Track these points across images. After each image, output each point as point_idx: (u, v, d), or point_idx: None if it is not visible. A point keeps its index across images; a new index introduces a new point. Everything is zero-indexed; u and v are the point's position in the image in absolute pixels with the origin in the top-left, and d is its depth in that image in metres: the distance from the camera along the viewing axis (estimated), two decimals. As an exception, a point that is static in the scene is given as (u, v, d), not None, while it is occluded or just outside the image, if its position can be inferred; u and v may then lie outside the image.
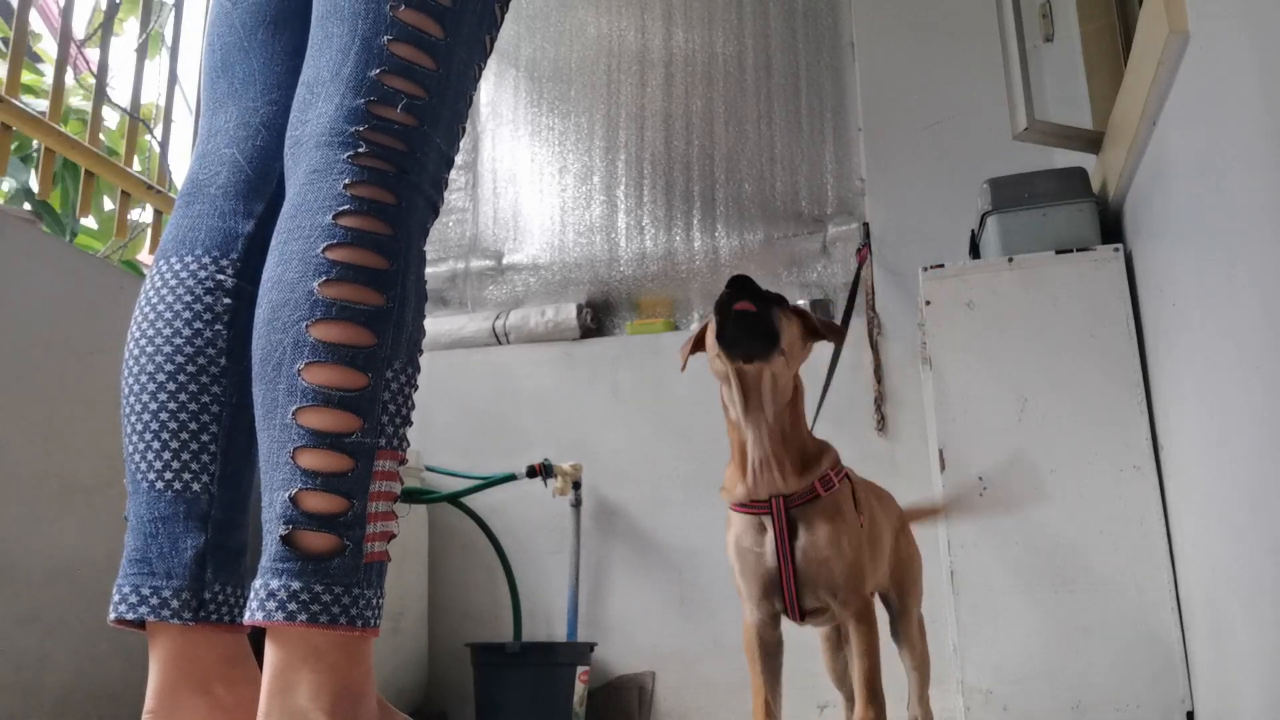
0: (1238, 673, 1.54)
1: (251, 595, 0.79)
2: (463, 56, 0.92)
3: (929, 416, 2.26)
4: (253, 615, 0.78)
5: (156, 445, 0.94)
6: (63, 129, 2.16)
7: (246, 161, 1.02)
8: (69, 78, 2.69)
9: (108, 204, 3.70)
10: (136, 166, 2.45)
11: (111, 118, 3.57)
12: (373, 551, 0.81)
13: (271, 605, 0.77)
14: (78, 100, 3.61)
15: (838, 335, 1.38)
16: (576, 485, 2.78)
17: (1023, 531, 1.99)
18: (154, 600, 0.90)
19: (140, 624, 0.93)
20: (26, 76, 3.53)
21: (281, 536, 0.78)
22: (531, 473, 2.69)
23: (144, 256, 3.81)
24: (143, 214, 2.82)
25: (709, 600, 2.74)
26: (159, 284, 0.99)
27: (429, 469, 2.83)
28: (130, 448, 0.95)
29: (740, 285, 1.22)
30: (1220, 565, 1.60)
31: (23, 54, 2.16)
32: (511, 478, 2.68)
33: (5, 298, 1.73)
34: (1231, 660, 1.57)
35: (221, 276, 0.98)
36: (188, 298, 0.97)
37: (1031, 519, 1.99)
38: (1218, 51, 1.39)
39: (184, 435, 0.94)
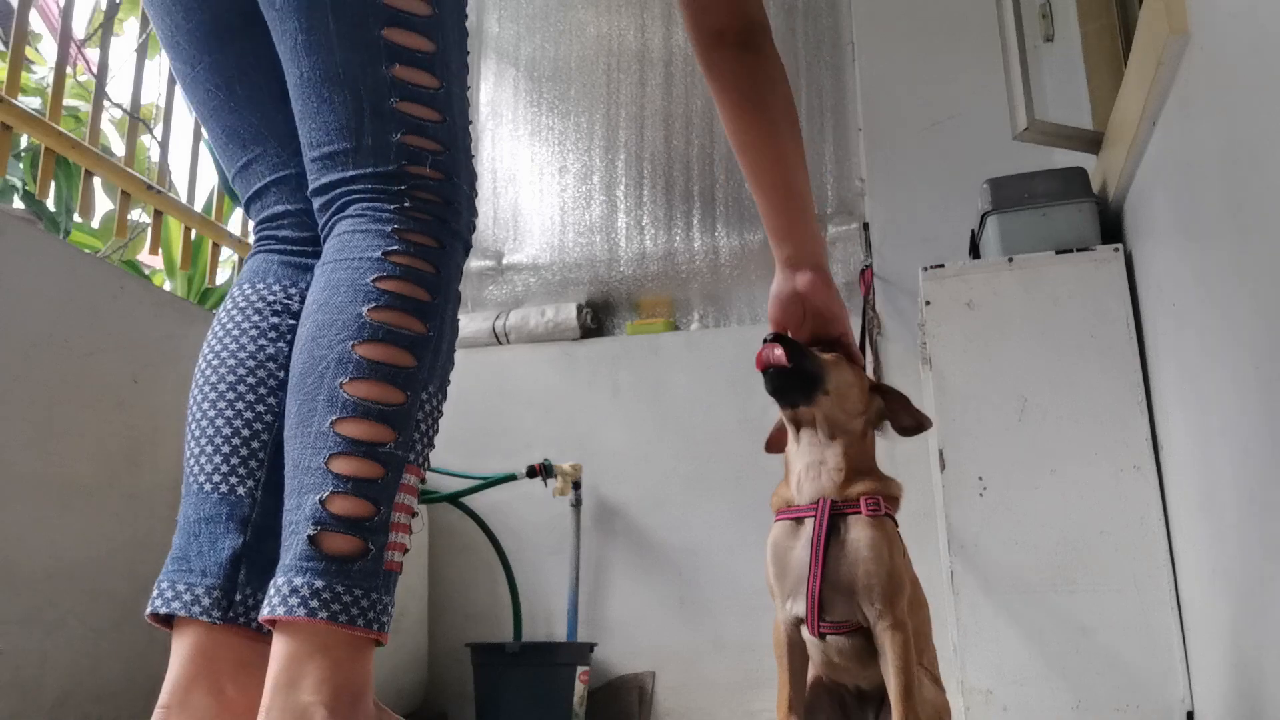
0: (1238, 673, 1.54)
1: (271, 591, 0.81)
2: (458, 94, 0.97)
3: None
4: (273, 610, 0.80)
5: (209, 450, 0.97)
6: (62, 129, 2.16)
7: (303, 213, 1.07)
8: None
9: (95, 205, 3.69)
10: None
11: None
12: (391, 560, 0.85)
13: (294, 601, 0.79)
14: (72, 100, 3.61)
15: (901, 415, 1.37)
16: (576, 485, 2.78)
17: (1023, 531, 1.99)
18: (187, 596, 0.93)
19: (169, 621, 0.94)
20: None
21: (309, 537, 0.81)
22: (531, 473, 2.69)
23: (144, 256, 3.81)
24: (143, 214, 2.82)
25: (709, 600, 2.74)
26: (230, 307, 1.04)
27: (429, 469, 2.83)
28: (187, 453, 0.99)
29: (770, 341, 1.26)
30: (1220, 565, 1.60)
31: (23, 54, 2.16)
32: (511, 478, 2.68)
33: (5, 298, 1.73)
34: (1231, 660, 1.57)
35: (288, 301, 1.04)
36: (255, 317, 1.02)
37: (1031, 519, 1.99)
38: (1218, 51, 1.39)
39: (235, 441, 0.97)
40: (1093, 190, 2.21)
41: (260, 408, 0.98)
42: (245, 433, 0.97)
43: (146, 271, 3.79)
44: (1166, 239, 1.79)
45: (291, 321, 1.02)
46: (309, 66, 0.92)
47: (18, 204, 3.46)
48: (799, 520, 1.26)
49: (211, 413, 0.98)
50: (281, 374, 0.99)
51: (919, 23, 2.98)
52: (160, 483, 2.01)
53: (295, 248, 1.07)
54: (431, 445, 0.92)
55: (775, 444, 1.40)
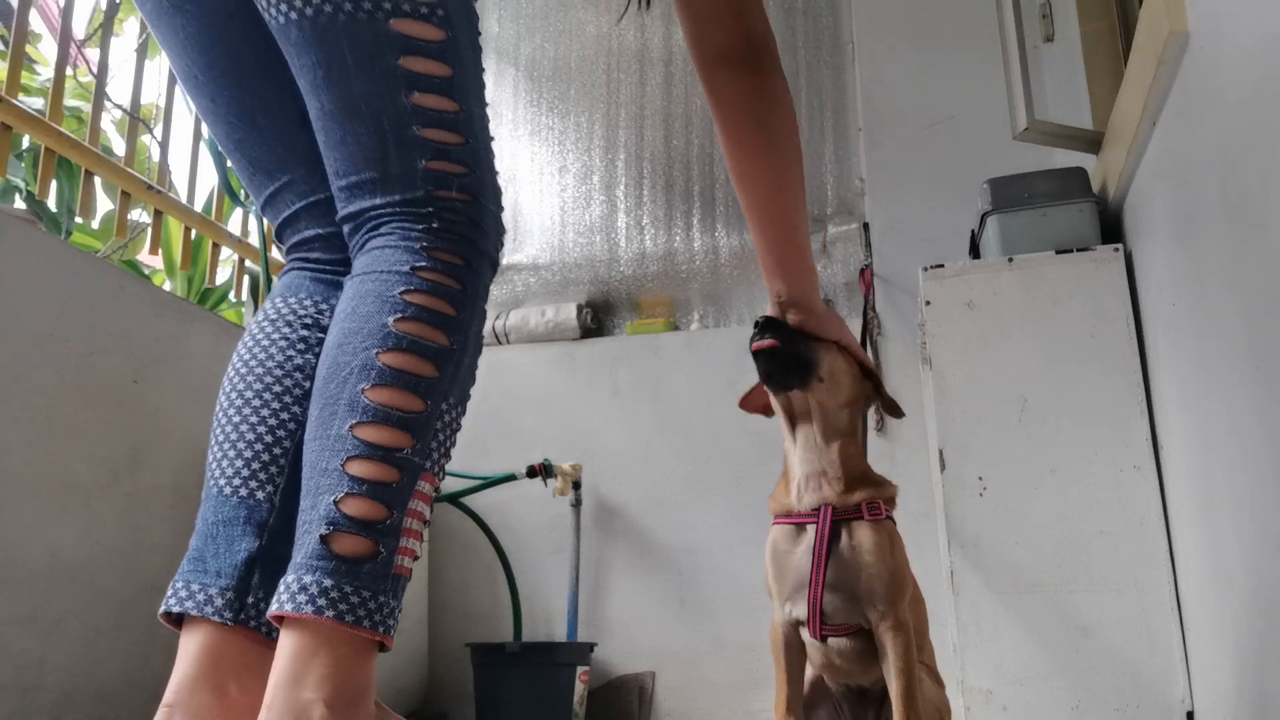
0: (1238, 673, 1.54)
1: (281, 588, 0.82)
2: (478, 114, 0.97)
3: (929, 416, 2.26)
4: (281, 607, 0.81)
5: (232, 454, 0.98)
6: (62, 129, 2.16)
7: (334, 235, 1.08)
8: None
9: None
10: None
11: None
12: (400, 565, 0.86)
13: (302, 599, 0.80)
14: (73, 100, 3.61)
15: (878, 386, 1.36)
16: (576, 485, 2.78)
17: (1023, 531, 1.99)
18: (200, 596, 0.93)
19: (179, 621, 0.95)
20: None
21: (321, 536, 0.82)
22: (531, 473, 2.69)
23: (144, 256, 3.81)
24: (143, 214, 2.82)
25: (709, 600, 2.74)
26: (262, 319, 1.06)
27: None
28: (210, 458, 1.01)
29: (763, 325, 1.24)
30: (1220, 565, 1.60)
31: (23, 54, 2.16)
32: (511, 478, 2.69)
33: (5, 298, 1.73)
34: (1231, 660, 1.57)
35: (319, 315, 1.06)
36: (285, 329, 1.04)
37: (1031, 519, 1.99)
38: (1218, 51, 1.39)
39: (258, 446, 0.98)
40: (1093, 190, 2.21)
41: (284, 415, 0.99)
42: (268, 439, 0.98)
43: (146, 271, 3.79)
44: (1166, 239, 1.79)
45: (320, 335, 1.03)
46: (329, 99, 0.93)
47: (19, 204, 3.46)
48: (799, 526, 1.26)
49: (236, 419, 0.99)
50: (308, 384, 1.00)
51: (919, 23, 2.98)
52: (160, 483, 2.01)
53: (327, 266, 1.09)
54: (448, 456, 0.93)
55: (752, 402, 1.38)
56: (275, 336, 1.04)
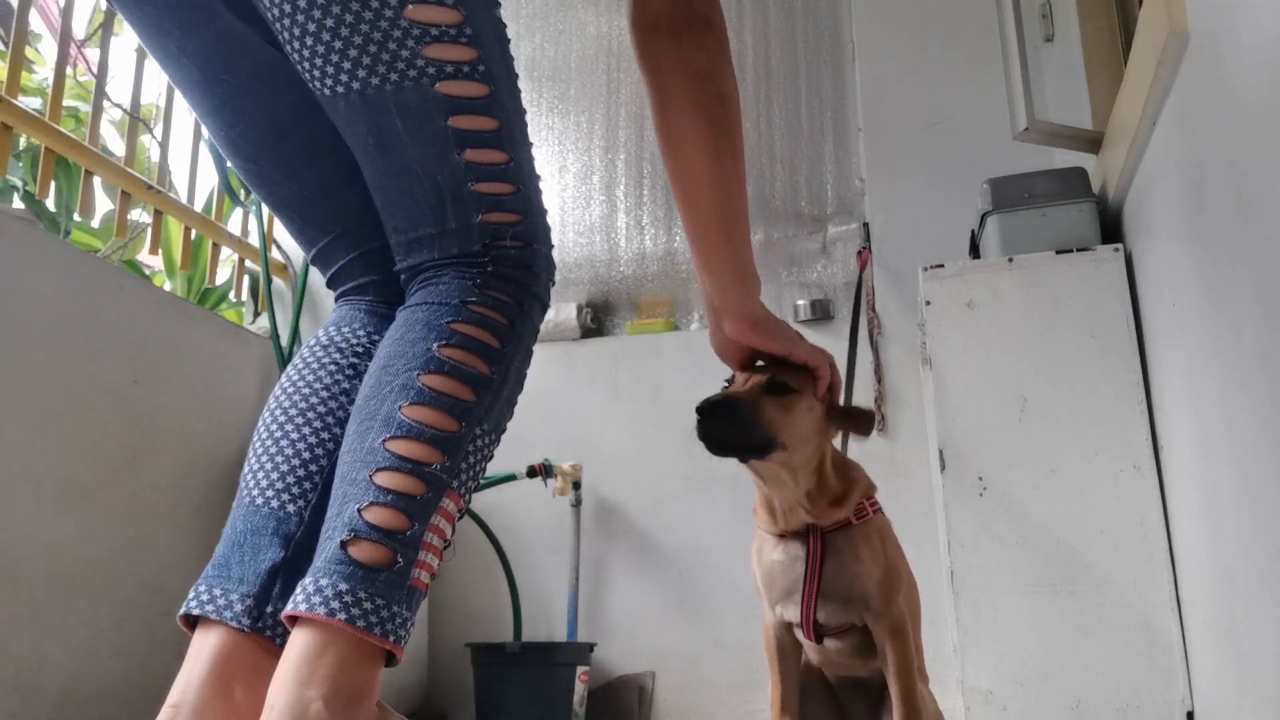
0: (1238, 673, 1.54)
1: (297, 590, 0.83)
2: (526, 159, 0.99)
3: (929, 416, 2.26)
4: (295, 607, 0.82)
5: (269, 467, 1.00)
6: (61, 128, 2.16)
7: (387, 281, 1.10)
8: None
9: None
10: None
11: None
12: (416, 578, 0.87)
13: (316, 600, 0.81)
14: (72, 100, 3.61)
15: (862, 427, 1.25)
16: (576, 485, 2.78)
17: (1023, 531, 1.99)
18: (221, 601, 0.94)
19: (195, 624, 0.95)
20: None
21: (342, 542, 0.84)
22: (531, 473, 2.69)
23: (144, 256, 3.81)
24: (143, 214, 2.82)
25: (709, 600, 2.74)
26: (314, 344, 1.09)
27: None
28: (246, 469, 1.02)
29: (708, 410, 1.12)
30: (1220, 565, 1.60)
31: (23, 54, 2.16)
32: (511, 478, 2.69)
33: (5, 298, 1.73)
34: (1231, 660, 1.57)
35: (370, 345, 1.08)
36: (336, 355, 1.07)
37: (1031, 519, 1.99)
38: (1218, 51, 1.39)
39: (295, 462, 1.00)
40: (1093, 190, 2.21)
41: (325, 435, 1.01)
42: (305, 455, 1.00)
43: (146, 271, 3.79)
44: (1166, 239, 1.79)
45: (369, 363, 1.04)
46: (384, 163, 0.95)
47: (17, 204, 3.46)
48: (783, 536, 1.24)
49: (278, 434, 1.01)
50: (350, 408, 1.01)
51: (919, 23, 2.98)
52: (160, 483, 2.01)
53: (381, 303, 1.11)
54: (476, 481, 0.94)
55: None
56: (325, 361, 1.06)
